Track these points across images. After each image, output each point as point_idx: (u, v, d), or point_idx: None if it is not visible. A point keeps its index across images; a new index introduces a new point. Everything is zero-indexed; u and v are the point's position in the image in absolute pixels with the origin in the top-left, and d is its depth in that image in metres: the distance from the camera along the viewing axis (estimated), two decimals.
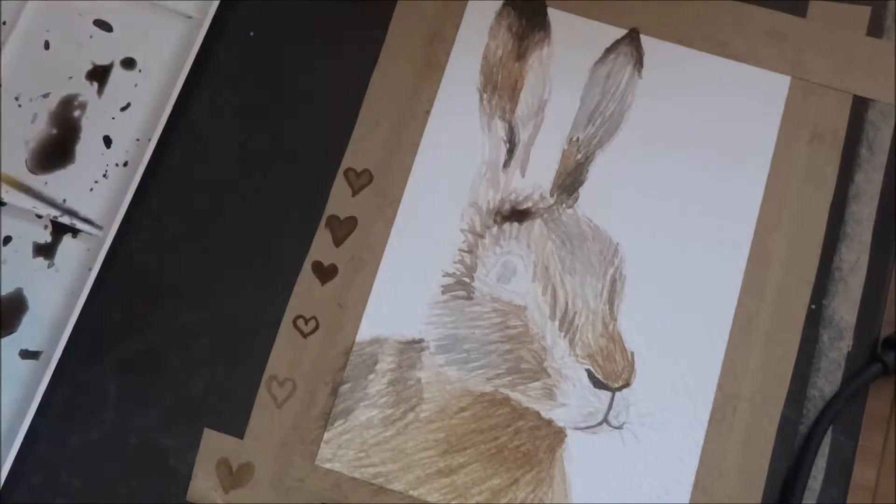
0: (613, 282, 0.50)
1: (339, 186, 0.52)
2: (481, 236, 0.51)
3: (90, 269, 0.50)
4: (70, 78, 0.54)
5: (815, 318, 0.49)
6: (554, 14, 0.53)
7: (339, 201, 0.52)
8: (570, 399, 0.48)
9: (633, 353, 0.49)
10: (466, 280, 0.50)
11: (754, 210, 0.51)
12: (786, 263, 0.50)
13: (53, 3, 0.55)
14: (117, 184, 0.52)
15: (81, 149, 0.53)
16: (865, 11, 0.53)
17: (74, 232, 0.52)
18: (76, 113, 0.54)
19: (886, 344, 0.49)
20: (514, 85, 0.53)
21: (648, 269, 0.50)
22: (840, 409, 0.47)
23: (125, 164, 0.53)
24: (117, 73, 0.54)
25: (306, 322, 0.50)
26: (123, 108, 0.54)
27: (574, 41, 0.53)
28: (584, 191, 0.51)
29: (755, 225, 0.50)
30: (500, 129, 0.52)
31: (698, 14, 0.53)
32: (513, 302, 0.50)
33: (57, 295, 0.51)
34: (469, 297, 0.50)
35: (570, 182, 0.51)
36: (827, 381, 0.49)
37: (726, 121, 0.52)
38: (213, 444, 0.49)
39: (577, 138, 0.52)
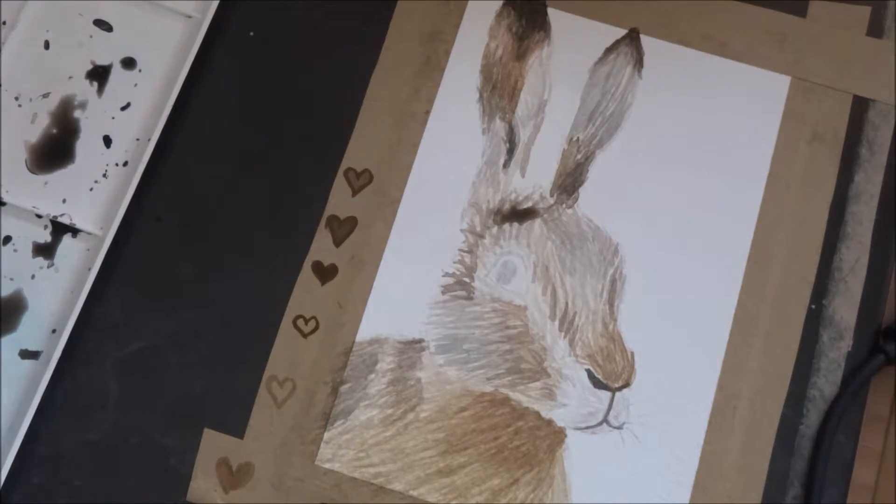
0: (613, 282, 0.50)
1: (339, 186, 0.52)
2: (481, 236, 0.51)
3: (90, 269, 0.50)
4: (70, 78, 0.54)
5: (815, 318, 0.49)
6: (554, 14, 0.53)
7: (339, 201, 0.52)
8: (570, 399, 0.48)
9: (633, 353, 0.49)
10: (466, 280, 0.50)
11: (754, 210, 0.51)
12: (786, 263, 0.50)
13: (53, 3, 0.55)
14: (117, 184, 0.52)
15: (81, 149, 0.53)
16: (865, 11, 0.53)
17: (74, 232, 0.52)
18: (76, 113, 0.54)
19: (887, 334, 0.49)
20: (514, 85, 0.53)
21: (648, 269, 0.50)
22: (847, 405, 0.47)
23: (125, 164, 0.53)
24: (117, 73, 0.54)
25: (306, 322, 0.50)
26: (123, 108, 0.54)
27: (574, 41, 0.53)
28: (584, 191, 0.51)
29: (755, 225, 0.50)
30: (500, 129, 0.52)
31: (698, 14, 0.53)
32: (513, 302, 0.50)
33: (57, 295, 0.51)
34: (469, 297, 0.50)
35: (570, 182, 0.51)
36: (827, 381, 0.49)
37: (726, 121, 0.52)
38: (213, 444, 0.49)
39: (577, 138, 0.52)
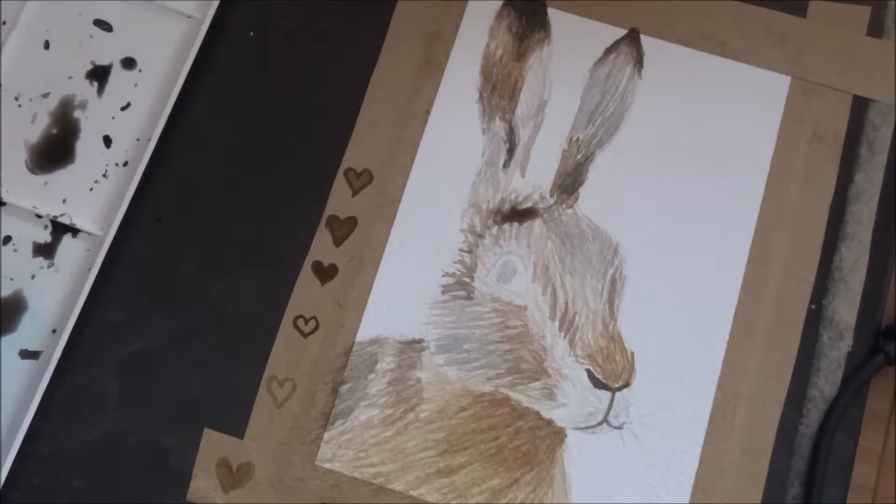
0: (613, 282, 0.50)
1: (339, 186, 0.52)
2: (481, 236, 0.51)
3: (90, 269, 0.50)
4: (70, 78, 0.54)
5: (815, 318, 0.49)
6: (554, 14, 0.53)
7: (339, 201, 0.52)
8: (570, 399, 0.48)
9: (633, 353, 0.49)
10: (466, 280, 0.50)
11: (754, 210, 0.51)
12: (786, 263, 0.50)
13: (53, 3, 0.55)
14: (117, 183, 0.52)
15: (81, 149, 0.53)
16: (865, 11, 0.53)
17: (74, 232, 0.52)
18: (76, 113, 0.54)
19: (887, 334, 0.49)
20: (514, 85, 0.53)
21: (648, 269, 0.50)
22: (848, 404, 0.47)
23: (125, 164, 0.53)
24: (117, 73, 0.54)
25: (306, 322, 0.50)
26: (123, 108, 0.54)
27: (574, 41, 0.53)
28: (584, 191, 0.51)
29: (755, 225, 0.50)
30: (500, 129, 0.52)
31: (698, 14, 0.53)
32: (513, 302, 0.50)
33: (57, 295, 0.51)
34: (469, 297, 0.50)
35: (570, 182, 0.51)
36: (827, 381, 0.49)
37: (726, 121, 0.52)
38: (213, 444, 0.49)
39: (577, 138, 0.52)
